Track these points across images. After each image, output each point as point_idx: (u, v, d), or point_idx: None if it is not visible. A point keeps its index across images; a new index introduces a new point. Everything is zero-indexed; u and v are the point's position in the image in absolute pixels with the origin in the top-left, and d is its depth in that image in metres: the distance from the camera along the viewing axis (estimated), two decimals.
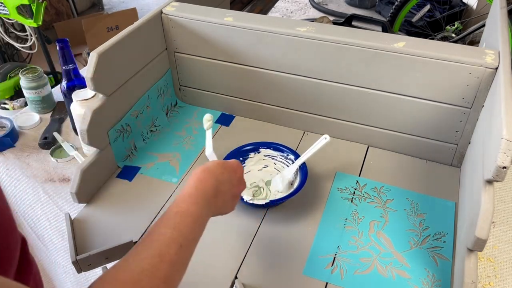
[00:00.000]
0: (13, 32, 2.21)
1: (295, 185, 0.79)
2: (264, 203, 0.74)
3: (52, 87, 1.13)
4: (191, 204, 0.47)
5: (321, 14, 2.31)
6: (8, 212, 0.37)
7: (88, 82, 0.75)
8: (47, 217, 0.86)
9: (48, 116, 1.04)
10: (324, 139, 0.80)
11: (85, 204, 0.79)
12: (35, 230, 0.88)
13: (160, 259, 0.40)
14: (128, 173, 0.86)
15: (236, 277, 0.67)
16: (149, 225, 0.75)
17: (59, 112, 1.06)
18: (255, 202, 0.75)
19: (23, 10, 1.70)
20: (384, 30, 1.82)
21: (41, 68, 1.09)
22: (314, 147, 0.80)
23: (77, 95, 0.97)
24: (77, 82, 1.06)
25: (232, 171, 0.56)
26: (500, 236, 0.76)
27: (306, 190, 0.79)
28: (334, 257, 0.70)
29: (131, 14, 2.10)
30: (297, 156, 0.81)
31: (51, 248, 0.88)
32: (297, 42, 0.83)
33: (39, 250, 0.92)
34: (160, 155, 0.90)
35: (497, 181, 0.56)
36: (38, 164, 0.90)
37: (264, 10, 2.73)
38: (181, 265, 0.43)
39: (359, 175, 0.85)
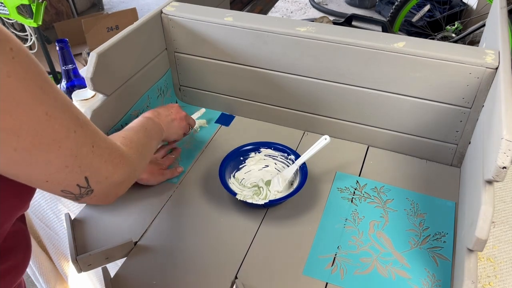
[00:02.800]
0: (13, 32, 2.21)
1: (295, 185, 0.80)
2: (264, 203, 0.74)
3: None
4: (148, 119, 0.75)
5: (321, 14, 2.31)
6: None
7: (88, 82, 0.75)
8: (52, 211, 0.86)
9: None
10: (324, 140, 0.80)
11: (85, 204, 0.79)
12: (45, 221, 0.89)
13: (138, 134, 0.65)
14: None
15: (236, 277, 0.67)
16: (149, 225, 0.75)
17: None
18: (255, 202, 0.75)
19: (23, 10, 1.70)
20: (384, 30, 1.82)
21: None
22: (314, 148, 0.80)
23: (77, 95, 0.97)
24: (77, 82, 1.06)
25: (169, 107, 0.81)
26: (500, 236, 0.76)
27: (306, 190, 0.79)
28: (334, 257, 0.70)
29: (131, 14, 2.09)
30: (297, 156, 0.82)
31: (62, 235, 0.88)
32: (297, 42, 0.83)
33: (51, 238, 0.93)
34: None
35: (497, 181, 0.56)
36: None
37: (264, 10, 2.73)
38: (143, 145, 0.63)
39: (359, 175, 0.85)
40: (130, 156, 0.53)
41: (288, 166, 0.84)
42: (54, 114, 0.38)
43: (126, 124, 0.87)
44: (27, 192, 0.44)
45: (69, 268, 0.94)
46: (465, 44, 1.65)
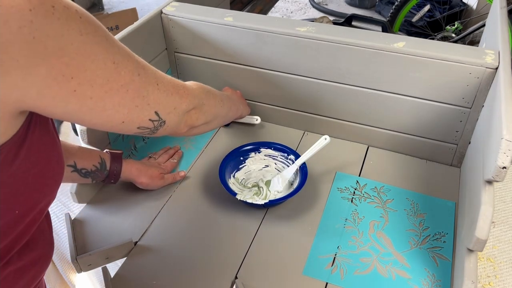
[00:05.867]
0: None
1: (295, 185, 0.80)
2: (264, 203, 0.74)
3: None
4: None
5: (321, 14, 2.31)
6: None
7: None
8: (53, 212, 0.86)
9: None
10: (324, 140, 0.80)
11: (85, 204, 0.79)
12: None
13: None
14: None
15: (236, 277, 0.67)
16: (149, 225, 0.75)
17: None
18: (255, 202, 0.75)
19: None
20: (384, 30, 1.82)
21: None
22: (314, 148, 0.80)
23: None
24: None
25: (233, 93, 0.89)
26: (500, 236, 0.76)
27: (306, 190, 0.79)
28: (334, 257, 0.70)
29: (131, 14, 2.09)
30: (297, 156, 0.82)
31: (62, 236, 0.88)
32: (297, 42, 0.83)
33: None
34: None
35: (497, 181, 0.56)
36: None
37: (264, 10, 2.73)
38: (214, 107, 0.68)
39: (359, 175, 0.85)
40: (194, 89, 0.59)
41: (288, 166, 0.84)
42: (119, 62, 0.42)
43: None
44: (50, 184, 0.45)
45: (69, 268, 0.94)
46: (465, 44, 1.65)
